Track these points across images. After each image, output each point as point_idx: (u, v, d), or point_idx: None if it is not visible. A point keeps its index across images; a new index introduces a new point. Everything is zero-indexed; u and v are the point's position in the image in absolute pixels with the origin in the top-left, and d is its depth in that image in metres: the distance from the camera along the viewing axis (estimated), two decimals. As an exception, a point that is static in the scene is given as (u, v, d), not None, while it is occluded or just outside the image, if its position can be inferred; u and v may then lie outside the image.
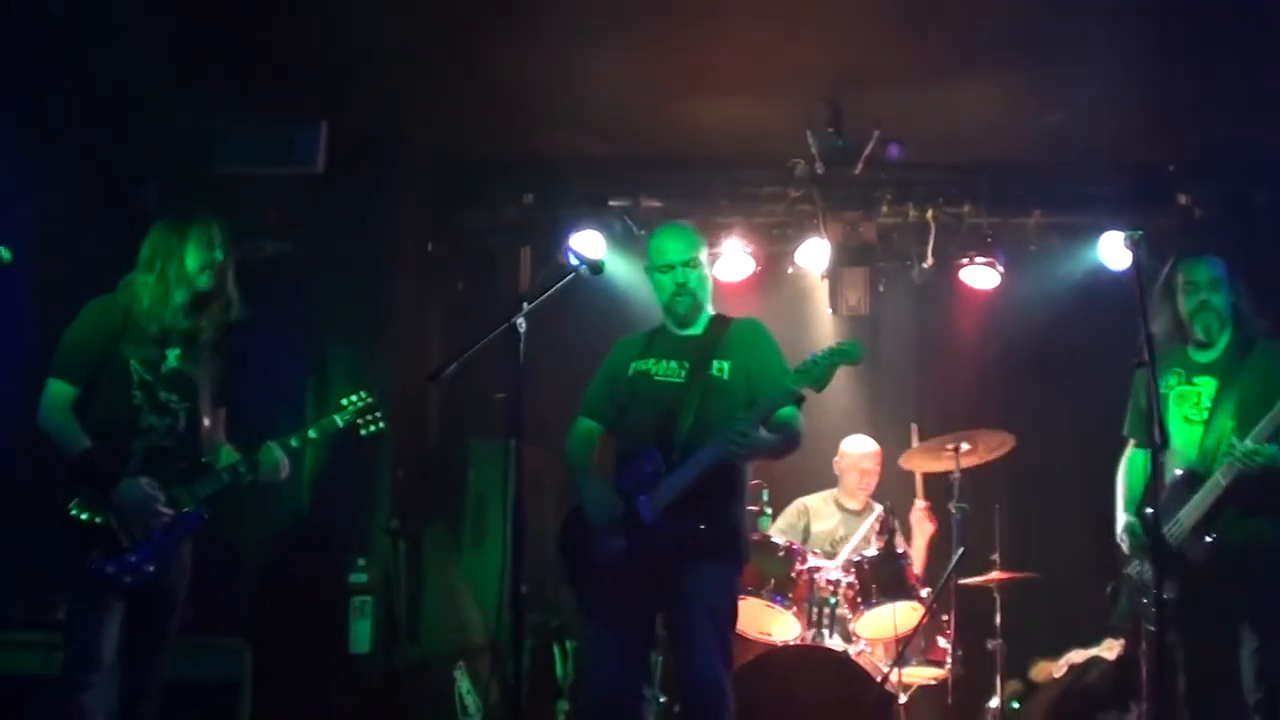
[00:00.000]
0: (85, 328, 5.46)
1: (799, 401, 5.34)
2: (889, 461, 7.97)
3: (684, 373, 5.44)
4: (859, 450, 8.06)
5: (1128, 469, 5.97)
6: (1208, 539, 5.46)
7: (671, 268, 5.51)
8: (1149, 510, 5.46)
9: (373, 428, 5.84)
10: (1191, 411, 5.69)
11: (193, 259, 5.49)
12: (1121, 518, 5.86)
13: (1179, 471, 5.59)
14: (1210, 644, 5.56)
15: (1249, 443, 5.40)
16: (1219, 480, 5.46)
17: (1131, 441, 6.00)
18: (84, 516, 5.25)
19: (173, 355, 5.49)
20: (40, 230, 6.76)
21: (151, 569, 5.29)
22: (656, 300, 5.65)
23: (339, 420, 5.75)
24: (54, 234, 6.90)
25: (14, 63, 6.75)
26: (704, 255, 5.61)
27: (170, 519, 5.33)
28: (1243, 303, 5.78)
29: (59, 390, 5.37)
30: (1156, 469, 5.20)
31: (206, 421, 5.58)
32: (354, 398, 5.82)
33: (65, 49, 6.81)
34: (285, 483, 5.71)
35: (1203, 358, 5.77)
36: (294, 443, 5.61)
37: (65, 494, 5.29)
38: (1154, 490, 5.29)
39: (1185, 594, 5.40)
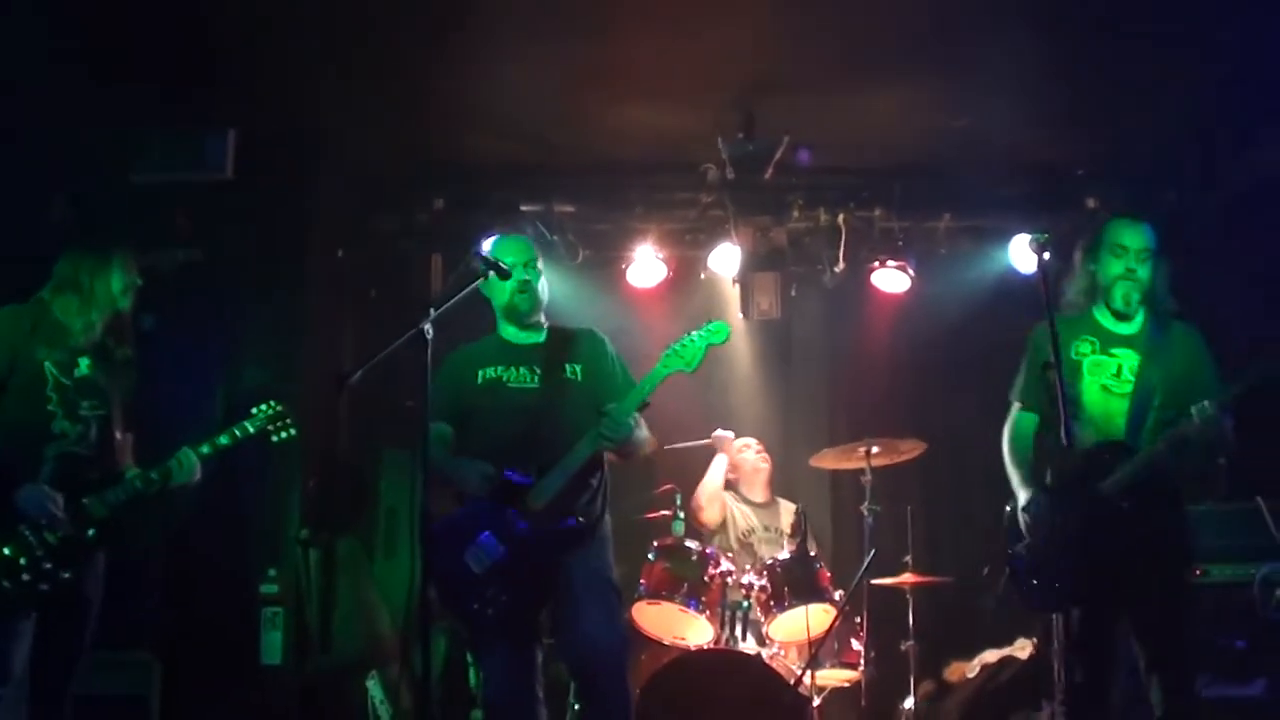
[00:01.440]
0: None
1: (641, 409, 5.44)
2: (800, 464, 8.01)
3: (537, 377, 5.53)
4: (741, 443, 8.19)
5: (1015, 434, 5.71)
6: (1124, 506, 5.27)
7: (514, 267, 5.56)
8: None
9: (284, 434, 5.87)
10: (1111, 382, 5.50)
11: (117, 281, 5.61)
12: (1023, 492, 5.53)
13: (1097, 442, 5.40)
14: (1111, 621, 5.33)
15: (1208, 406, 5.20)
16: (1160, 449, 5.28)
17: (1018, 405, 5.74)
18: None
19: (84, 363, 5.52)
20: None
21: (67, 575, 5.26)
22: (494, 307, 5.74)
23: (250, 426, 5.77)
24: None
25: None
26: (539, 261, 5.72)
27: (77, 520, 5.30)
28: (1162, 277, 5.59)
29: None
30: (1067, 460, 5.08)
31: (118, 435, 5.55)
32: (264, 407, 5.83)
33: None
34: (193, 491, 5.68)
35: (1120, 329, 5.58)
36: (205, 449, 5.64)
37: None
38: (1067, 480, 5.19)
39: (1088, 569, 5.16)
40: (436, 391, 5.47)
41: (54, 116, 7.21)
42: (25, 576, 5.20)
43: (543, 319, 5.73)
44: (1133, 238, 5.56)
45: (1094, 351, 5.55)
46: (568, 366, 5.57)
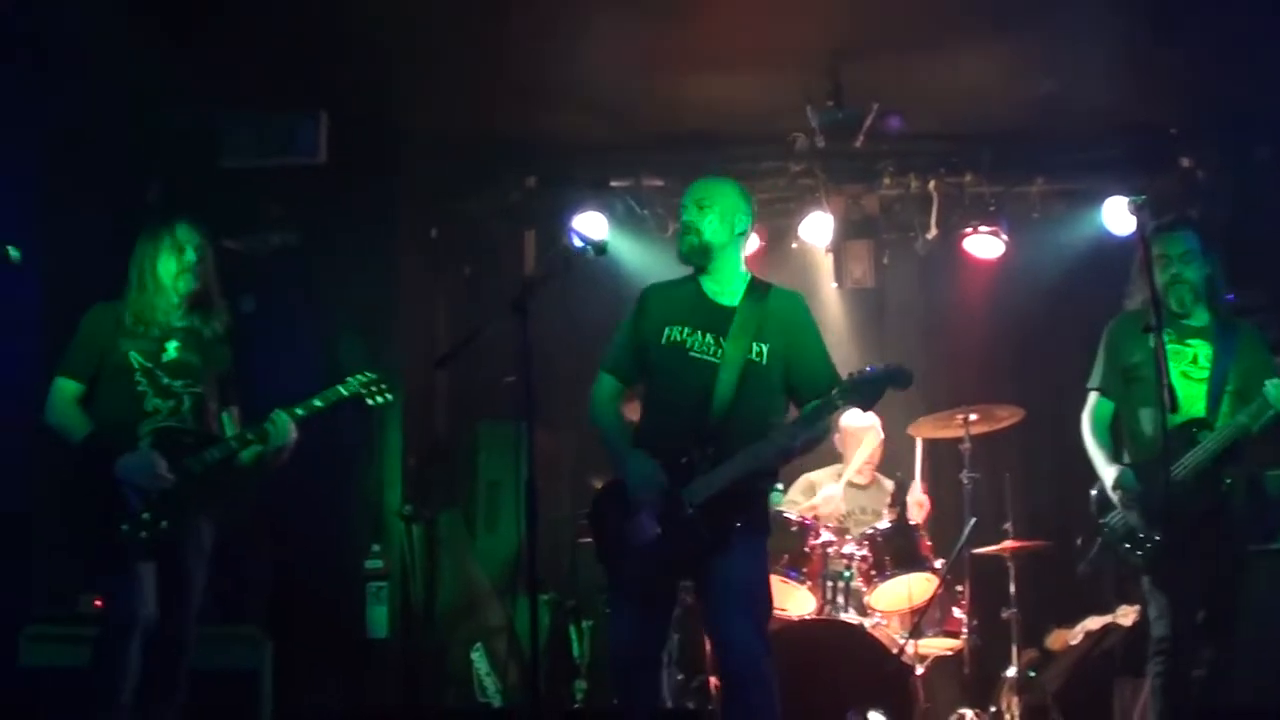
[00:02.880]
0: (85, 328, 5.64)
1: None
2: (897, 433, 7.97)
3: (721, 352, 5.18)
4: (857, 424, 8.01)
5: (1094, 420, 6.07)
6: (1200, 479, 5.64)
7: (686, 206, 5.33)
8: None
9: (379, 398, 5.84)
10: (1190, 369, 5.81)
11: (165, 266, 5.64)
12: (1110, 470, 5.89)
13: (1179, 421, 5.63)
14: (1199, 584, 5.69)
15: None
16: (1241, 421, 5.65)
17: (1095, 394, 6.10)
18: (96, 493, 5.36)
19: (172, 347, 5.63)
20: (48, 230, 6.78)
21: (165, 524, 5.40)
22: None
23: (344, 390, 5.74)
24: (61, 233, 6.92)
25: (18, 63, 6.76)
26: (740, 208, 5.32)
27: (174, 481, 5.43)
28: (1216, 275, 5.94)
29: (63, 386, 5.56)
30: (1166, 427, 5.21)
31: (214, 407, 5.65)
32: (362, 375, 5.82)
33: (68, 46, 6.81)
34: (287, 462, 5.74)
35: (1192, 323, 5.90)
36: (300, 411, 5.63)
37: (78, 479, 5.43)
38: (1165, 448, 5.28)
39: (1174, 539, 5.47)
40: (621, 337, 5.40)
41: (147, 103, 7.31)
42: (125, 526, 5.35)
43: (741, 269, 5.37)
44: (1173, 245, 5.87)
45: (1171, 341, 5.77)
46: (754, 345, 5.16)
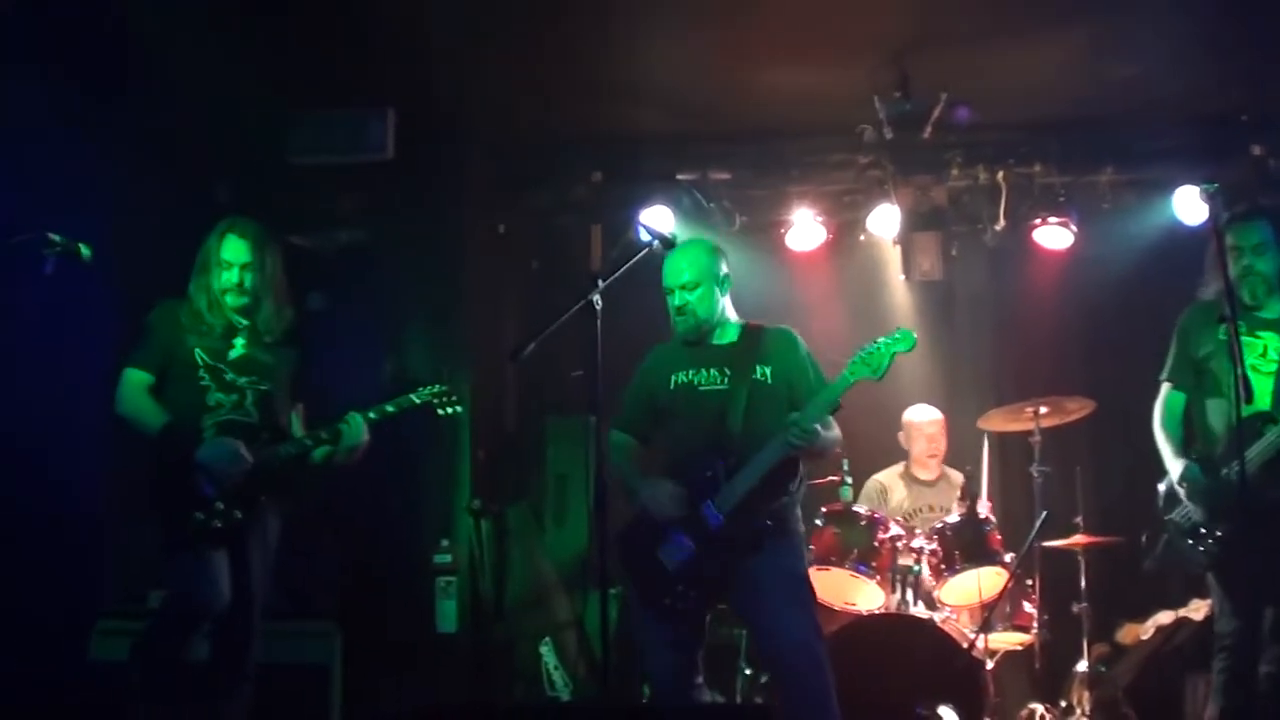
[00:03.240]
0: (153, 322, 5.75)
1: (832, 412, 5.47)
2: (967, 426, 7.92)
3: (726, 379, 5.52)
4: (921, 419, 8.06)
5: (1165, 413, 6.07)
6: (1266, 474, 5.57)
7: (672, 290, 5.61)
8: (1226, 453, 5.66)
9: (449, 409, 5.99)
10: (1258, 361, 5.78)
11: (222, 266, 5.72)
12: (1176, 464, 5.89)
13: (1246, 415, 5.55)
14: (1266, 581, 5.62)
15: None
16: None
17: (1167, 385, 6.10)
18: (171, 482, 5.45)
19: (239, 343, 5.70)
20: (119, 228, 6.84)
21: (239, 514, 5.48)
22: None
23: (416, 398, 5.90)
24: (132, 232, 6.99)
25: (90, 63, 6.83)
26: (716, 270, 5.65)
27: (252, 466, 5.52)
28: None
29: (132, 376, 5.66)
30: (1240, 417, 5.19)
31: (282, 405, 5.70)
32: (432, 387, 5.98)
33: (137, 47, 6.87)
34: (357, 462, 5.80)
35: (1264, 314, 5.87)
36: (372, 415, 5.75)
37: (153, 468, 5.51)
38: (1238, 437, 5.26)
39: (1239, 533, 5.53)
40: (629, 397, 5.76)
41: (215, 102, 7.37)
42: (199, 514, 5.43)
43: (731, 318, 5.71)
44: (1245, 236, 5.85)
45: (1242, 333, 5.63)
46: (758, 368, 5.53)
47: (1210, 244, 5.72)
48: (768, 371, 5.53)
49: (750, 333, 5.68)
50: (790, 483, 5.49)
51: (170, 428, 5.52)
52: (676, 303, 5.59)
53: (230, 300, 5.70)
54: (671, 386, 5.61)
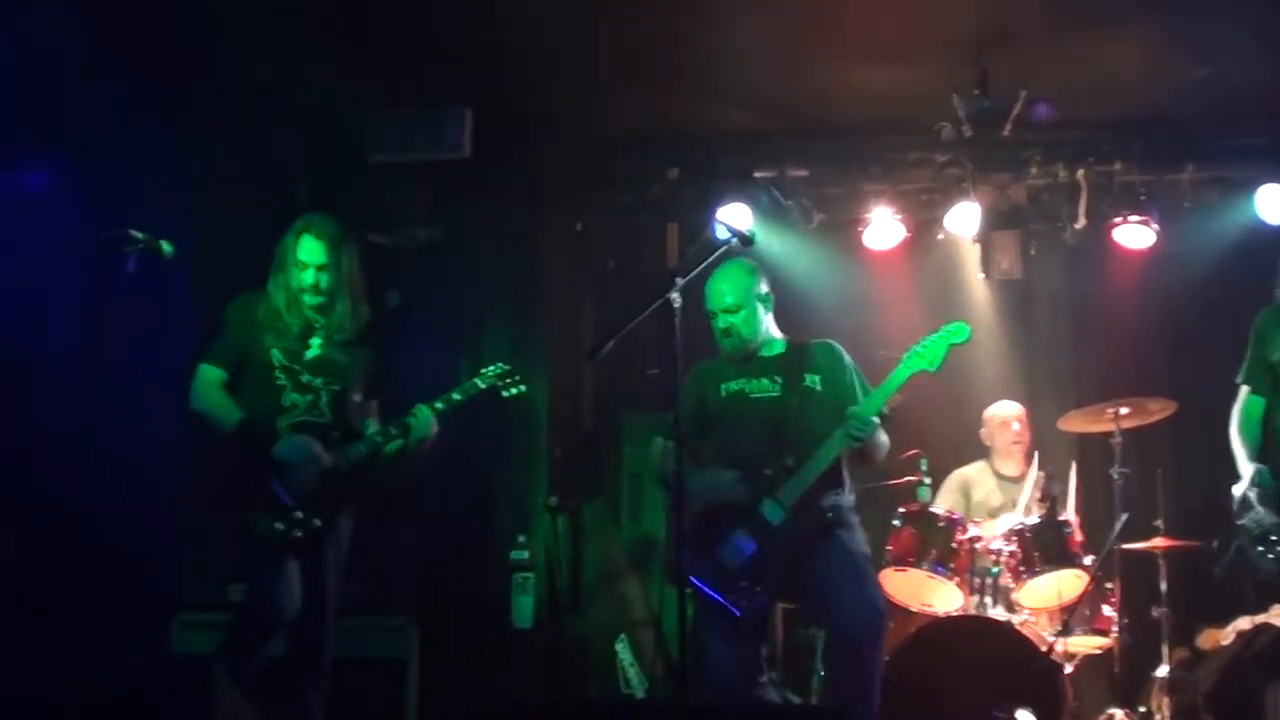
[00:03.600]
0: (229, 319, 5.79)
1: (888, 410, 5.60)
2: (1046, 428, 7.86)
3: (778, 385, 5.66)
4: (1002, 414, 8.02)
5: (1243, 417, 6.05)
6: None
7: (715, 314, 5.74)
8: None
9: (513, 390, 6.01)
10: None
11: (298, 266, 5.74)
12: (1248, 468, 5.87)
13: None
14: None
15: None
16: None
17: (1246, 389, 6.06)
18: (250, 485, 5.49)
19: (315, 344, 5.71)
20: (200, 226, 6.93)
21: (318, 522, 5.53)
22: None
23: (480, 383, 5.92)
24: (212, 229, 7.07)
25: (172, 62, 6.91)
26: (758, 289, 5.79)
27: (328, 467, 5.54)
28: None
29: (207, 372, 5.70)
30: None
31: (357, 398, 5.74)
32: (492, 368, 6.00)
33: (217, 45, 6.94)
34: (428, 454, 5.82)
35: None
36: (439, 405, 5.78)
37: (230, 468, 5.58)
38: None
39: None
40: (679, 405, 5.68)
41: (293, 103, 7.43)
42: (279, 525, 5.46)
43: (774, 334, 5.87)
44: None
45: None
46: (807, 376, 5.69)
47: None
48: (817, 380, 5.68)
49: (796, 347, 5.84)
50: (840, 476, 5.61)
51: (246, 424, 5.57)
52: (721, 325, 5.73)
53: (307, 300, 5.73)
54: (723, 395, 5.73)
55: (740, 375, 5.74)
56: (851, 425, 5.41)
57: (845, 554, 5.49)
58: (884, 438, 5.72)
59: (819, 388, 5.67)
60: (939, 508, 7.30)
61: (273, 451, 5.52)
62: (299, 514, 5.48)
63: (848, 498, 5.68)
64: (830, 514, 5.50)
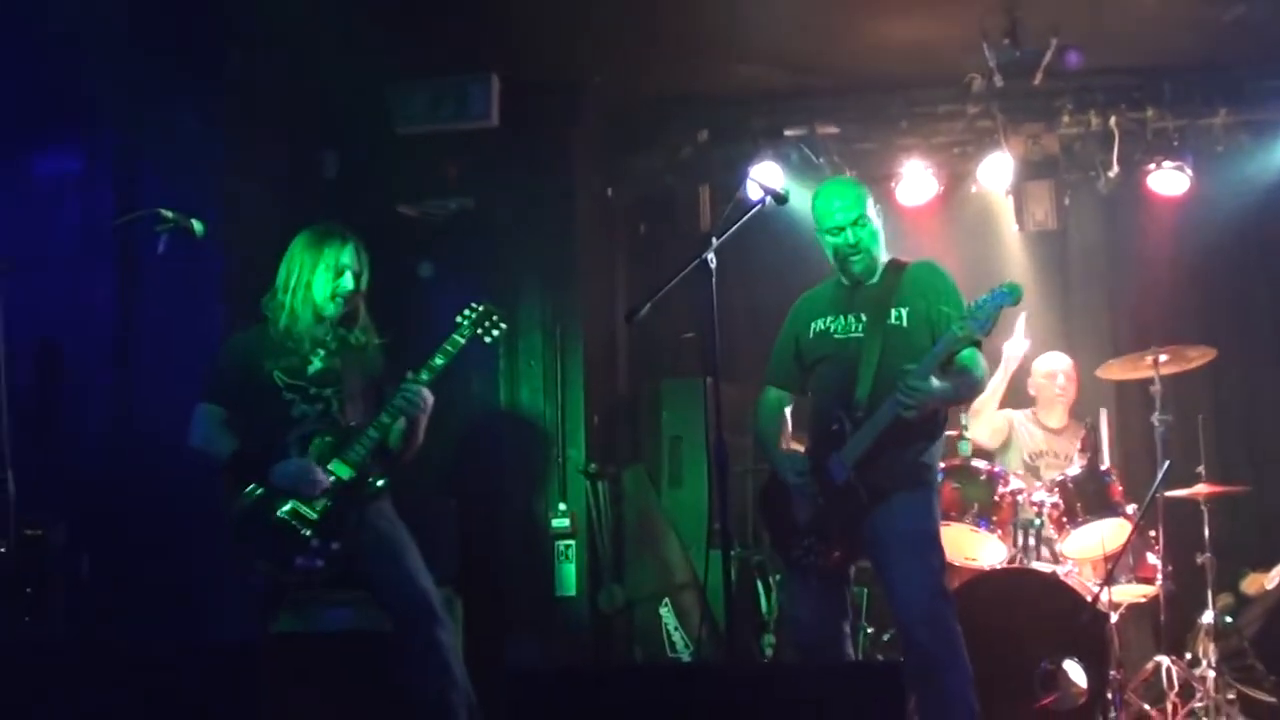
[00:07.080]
0: (226, 357, 5.64)
1: (978, 344, 5.34)
2: (1084, 376, 7.83)
3: (862, 325, 5.43)
4: (1051, 367, 7.93)
5: None
6: None
7: (841, 229, 5.48)
8: None
9: (494, 332, 5.68)
10: None
11: (319, 287, 5.56)
12: None
13: None
14: None
15: None
16: None
17: None
18: (251, 508, 5.36)
19: (318, 359, 5.56)
20: (229, 203, 6.93)
21: (336, 547, 5.35)
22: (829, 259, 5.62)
23: (459, 337, 5.59)
24: (242, 206, 7.07)
25: (196, 40, 6.91)
26: (871, 206, 5.54)
27: (331, 485, 5.37)
28: None
29: (209, 410, 5.54)
30: None
31: (359, 408, 5.58)
32: (466, 311, 5.67)
33: (246, 18, 6.93)
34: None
35: None
36: (425, 375, 5.48)
37: (229, 503, 5.40)
38: None
39: None
40: (778, 348, 5.73)
41: (318, 75, 7.42)
42: (298, 558, 5.31)
43: (881, 260, 5.59)
44: None
45: None
46: (893, 311, 5.40)
47: None
48: (904, 314, 5.40)
49: (892, 271, 5.56)
50: (922, 437, 5.38)
51: (238, 455, 5.43)
52: (849, 240, 5.45)
53: (332, 309, 5.55)
54: (811, 335, 5.56)
55: (832, 310, 5.53)
56: (900, 392, 5.11)
57: (904, 531, 5.29)
58: (969, 377, 5.39)
59: (905, 323, 5.39)
60: (980, 432, 7.46)
61: (271, 478, 5.37)
62: (315, 542, 5.32)
63: (933, 450, 5.47)
64: (891, 477, 5.27)
